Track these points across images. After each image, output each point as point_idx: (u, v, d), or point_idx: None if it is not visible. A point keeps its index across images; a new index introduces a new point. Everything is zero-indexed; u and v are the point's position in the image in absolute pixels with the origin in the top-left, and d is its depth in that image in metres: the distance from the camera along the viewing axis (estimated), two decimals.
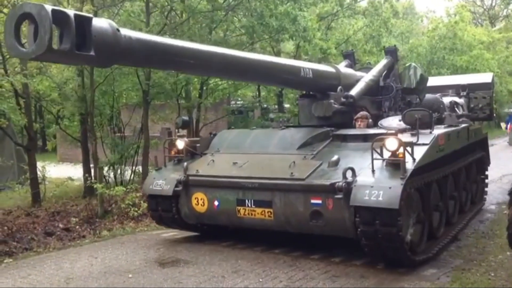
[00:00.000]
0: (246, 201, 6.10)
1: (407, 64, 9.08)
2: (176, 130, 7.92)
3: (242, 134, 7.24)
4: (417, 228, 5.97)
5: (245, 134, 7.23)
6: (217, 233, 7.25)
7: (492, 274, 5.47)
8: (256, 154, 6.55)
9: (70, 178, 11.48)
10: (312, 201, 5.66)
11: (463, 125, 7.60)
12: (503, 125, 25.43)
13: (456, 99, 8.98)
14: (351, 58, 9.42)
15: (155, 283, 5.28)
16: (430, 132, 6.10)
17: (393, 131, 5.63)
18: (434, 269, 5.66)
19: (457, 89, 9.64)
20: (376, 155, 5.44)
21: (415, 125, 6.00)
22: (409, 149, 5.36)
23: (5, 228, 7.88)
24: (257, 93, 17.68)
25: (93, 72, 10.97)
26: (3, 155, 10.99)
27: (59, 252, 6.83)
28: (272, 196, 5.94)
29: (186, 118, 7.55)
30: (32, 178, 10.56)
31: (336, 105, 7.24)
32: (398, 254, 5.38)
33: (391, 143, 5.35)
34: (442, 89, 9.38)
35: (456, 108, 8.60)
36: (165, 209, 6.77)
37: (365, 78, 8.21)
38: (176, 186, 6.53)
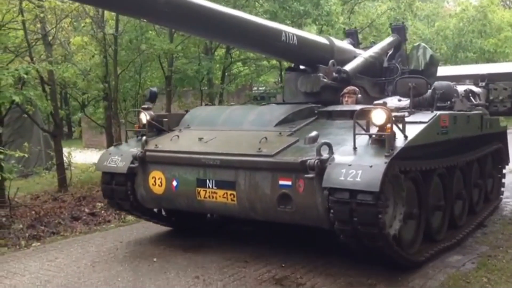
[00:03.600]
0: (207, 181, 5.33)
1: (415, 44, 8.33)
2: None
3: (217, 110, 6.57)
4: (411, 225, 5.31)
5: (220, 110, 6.56)
6: (188, 225, 6.74)
7: None
8: (228, 131, 5.79)
9: (95, 164, 11.61)
10: (281, 182, 4.86)
11: (475, 112, 6.71)
12: None
13: (473, 87, 8.04)
14: (354, 37, 8.62)
15: (179, 267, 5.34)
16: (432, 111, 5.41)
17: (380, 102, 4.82)
18: (459, 256, 5.60)
19: (476, 79, 8.61)
20: (360, 130, 4.68)
21: (408, 95, 5.39)
22: (400, 125, 4.61)
23: (33, 212, 8.05)
24: (279, 79, 17.57)
25: (116, 58, 11.08)
26: (31, 142, 11.19)
27: (85, 236, 6.96)
28: (235, 176, 5.15)
29: (154, 89, 6.85)
30: (58, 163, 10.74)
31: (325, 80, 6.44)
32: (379, 244, 4.54)
33: (377, 116, 4.55)
34: (459, 79, 8.44)
35: (471, 98, 7.59)
36: (121, 190, 6.02)
37: (364, 54, 7.38)
38: (132, 162, 5.80)
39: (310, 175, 4.55)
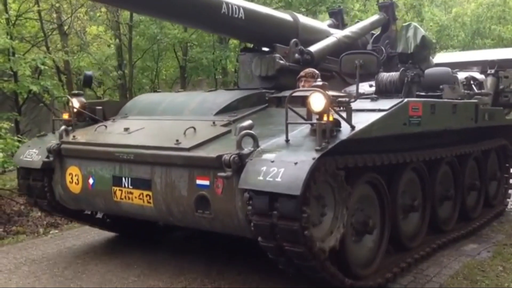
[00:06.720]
0: (123, 179, 4.52)
1: (405, 23, 7.28)
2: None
3: (160, 97, 5.73)
4: (368, 240, 4.45)
5: (164, 97, 5.72)
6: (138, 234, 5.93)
7: None
8: (163, 120, 5.03)
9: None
10: (198, 181, 4.04)
11: (467, 100, 5.73)
12: None
13: (476, 74, 6.85)
14: (337, 17, 7.64)
15: (191, 258, 5.37)
16: (399, 97, 4.60)
17: (319, 84, 3.84)
18: (475, 244, 5.57)
19: (484, 66, 7.55)
20: (297, 119, 3.82)
21: (354, 75, 4.51)
22: (345, 113, 3.74)
23: None
24: None
25: (131, 48, 11.14)
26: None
27: None
28: (151, 174, 4.34)
29: (89, 73, 6.11)
30: None
31: (282, 61, 5.55)
32: (309, 264, 3.65)
33: (315, 101, 3.62)
34: (465, 66, 7.40)
35: (473, 86, 6.46)
36: (38, 188, 5.26)
37: (337, 33, 6.37)
38: (47, 157, 5.01)
39: (225, 174, 3.72)
